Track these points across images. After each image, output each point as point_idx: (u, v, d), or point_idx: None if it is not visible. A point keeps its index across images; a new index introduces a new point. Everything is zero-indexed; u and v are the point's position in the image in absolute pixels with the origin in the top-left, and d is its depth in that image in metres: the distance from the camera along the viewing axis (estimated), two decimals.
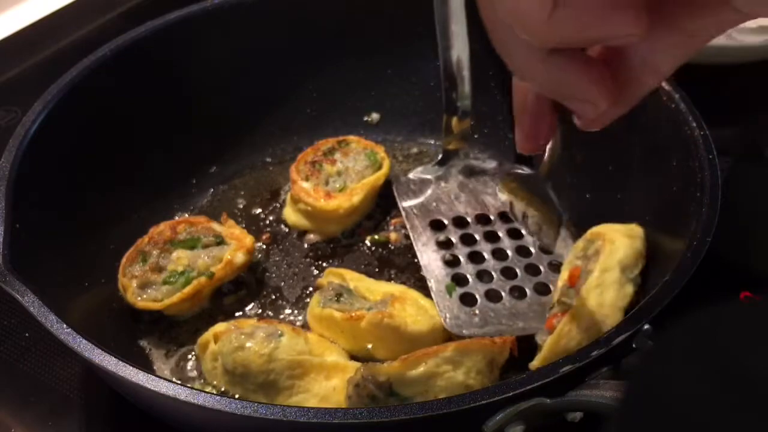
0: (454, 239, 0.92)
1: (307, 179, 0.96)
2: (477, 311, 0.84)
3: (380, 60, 1.06)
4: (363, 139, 1.02)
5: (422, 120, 1.08)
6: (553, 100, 0.56)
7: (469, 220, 0.94)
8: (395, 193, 0.97)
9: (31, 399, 0.81)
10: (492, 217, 0.94)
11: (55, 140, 0.84)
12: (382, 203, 1.00)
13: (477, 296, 0.85)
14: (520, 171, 0.70)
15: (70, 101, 0.86)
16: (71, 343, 0.64)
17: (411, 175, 0.99)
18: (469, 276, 0.88)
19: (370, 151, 0.99)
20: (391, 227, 0.98)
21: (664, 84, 0.83)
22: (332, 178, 0.97)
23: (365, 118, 1.09)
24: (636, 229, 0.82)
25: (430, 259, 0.89)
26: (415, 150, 1.08)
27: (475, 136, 1.06)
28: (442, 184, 0.98)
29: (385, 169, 0.98)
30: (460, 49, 0.90)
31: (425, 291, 0.89)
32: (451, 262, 0.89)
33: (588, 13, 0.43)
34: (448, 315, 0.83)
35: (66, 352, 0.66)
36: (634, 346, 0.62)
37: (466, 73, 0.93)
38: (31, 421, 0.80)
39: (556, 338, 0.74)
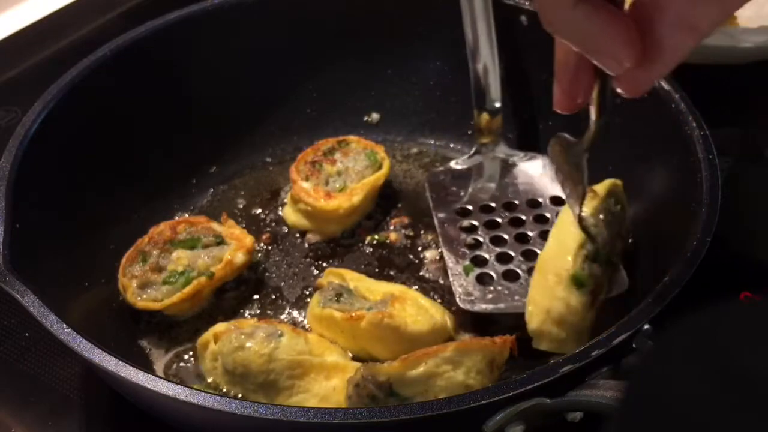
0: (477, 223, 0.92)
1: (307, 179, 0.96)
2: (491, 289, 0.84)
3: (380, 60, 1.06)
4: (363, 139, 1.02)
5: (422, 120, 1.08)
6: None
7: (494, 205, 0.94)
8: (428, 193, 0.97)
9: (31, 399, 0.81)
10: (518, 203, 0.94)
11: (55, 140, 0.84)
12: (382, 203, 1.00)
13: (494, 275, 0.86)
14: (566, 136, 0.71)
15: (70, 101, 0.86)
16: (71, 343, 0.64)
17: (443, 169, 1.00)
18: (489, 258, 0.88)
19: (370, 151, 0.99)
20: (391, 227, 0.98)
21: (664, 84, 0.84)
22: (332, 178, 0.96)
23: (365, 118, 1.09)
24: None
25: (451, 240, 0.90)
26: (415, 150, 1.08)
27: None
28: (476, 177, 0.98)
29: (385, 169, 0.98)
30: (486, 54, 0.93)
31: (425, 291, 0.89)
32: (473, 246, 0.90)
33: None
34: (461, 291, 0.83)
35: (66, 352, 0.66)
36: (634, 346, 0.62)
37: (493, 77, 0.95)
38: (31, 421, 0.80)
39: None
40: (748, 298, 0.81)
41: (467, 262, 0.87)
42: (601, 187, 0.81)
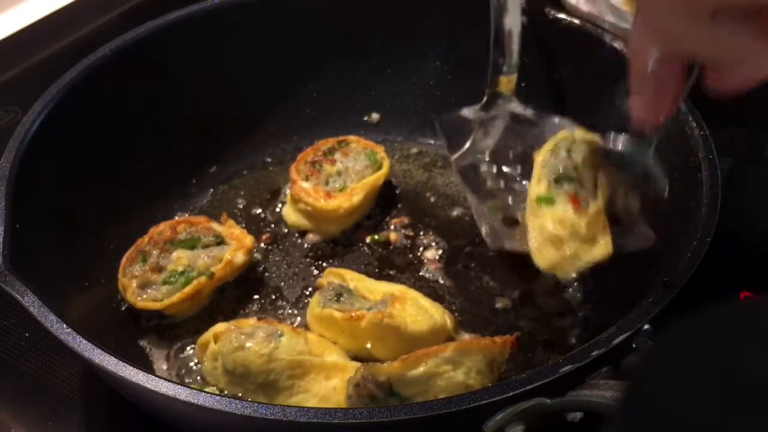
0: (495, 170, 0.93)
1: (307, 179, 0.96)
2: (517, 230, 0.85)
3: (380, 60, 1.06)
4: (363, 139, 1.02)
5: (422, 120, 1.08)
6: (683, 68, 0.54)
7: (508, 155, 0.95)
8: (439, 130, 0.96)
9: (31, 399, 0.81)
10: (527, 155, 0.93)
11: (55, 140, 0.84)
12: (382, 203, 1.00)
13: (519, 218, 0.86)
14: (614, 149, 0.74)
15: (70, 101, 0.86)
16: (71, 343, 0.64)
17: (455, 114, 0.98)
18: (510, 201, 0.89)
19: (370, 151, 0.99)
20: (391, 227, 0.98)
21: None
22: (332, 178, 0.96)
23: (365, 118, 1.09)
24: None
25: (472, 182, 0.91)
26: (415, 150, 1.08)
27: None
28: (486, 127, 0.98)
29: (384, 169, 0.98)
30: (512, 19, 0.92)
31: (425, 291, 0.89)
32: (494, 190, 0.91)
33: None
34: (487, 231, 0.85)
35: (66, 352, 0.66)
36: (634, 346, 0.62)
37: (515, 45, 0.93)
38: (31, 421, 0.80)
39: None
40: (748, 298, 0.81)
41: (491, 202, 0.87)
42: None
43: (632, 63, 0.57)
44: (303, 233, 0.97)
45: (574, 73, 0.98)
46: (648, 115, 0.59)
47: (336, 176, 0.97)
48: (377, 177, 0.97)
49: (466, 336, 0.83)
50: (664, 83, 0.56)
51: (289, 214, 0.98)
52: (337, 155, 0.99)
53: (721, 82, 0.54)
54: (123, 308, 0.86)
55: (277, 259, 0.95)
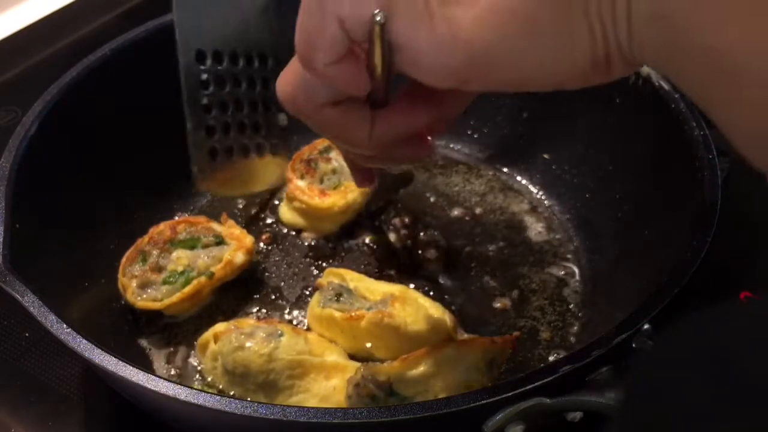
0: None
1: (302, 177, 0.96)
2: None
3: None
4: None
5: None
6: None
7: None
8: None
9: (31, 399, 0.81)
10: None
11: (55, 140, 0.84)
12: (382, 203, 1.00)
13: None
14: None
15: (70, 101, 0.86)
16: (71, 343, 0.64)
17: None
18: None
19: None
20: (391, 227, 0.98)
21: (663, 84, 0.83)
22: (327, 176, 0.97)
23: None
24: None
25: None
26: None
27: (475, 136, 1.06)
28: None
29: None
30: None
31: (425, 291, 0.89)
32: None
33: (398, 125, 0.57)
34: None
35: (66, 352, 0.66)
36: (634, 346, 0.62)
37: None
38: (31, 421, 0.80)
39: None
40: (748, 298, 0.81)
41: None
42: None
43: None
44: (299, 231, 0.97)
45: None
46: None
47: (331, 174, 0.97)
48: None
49: (466, 336, 0.83)
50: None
51: (285, 212, 0.98)
52: (333, 153, 0.99)
53: (439, 130, 0.65)
54: (123, 308, 0.86)
55: (277, 259, 0.95)
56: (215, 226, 0.90)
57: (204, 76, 0.85)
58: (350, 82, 0.53)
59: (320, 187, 0.95)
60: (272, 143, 0.91)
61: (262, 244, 0.96)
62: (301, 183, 0.95)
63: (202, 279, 0.85)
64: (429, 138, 0.64)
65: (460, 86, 0.49)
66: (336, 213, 0.94)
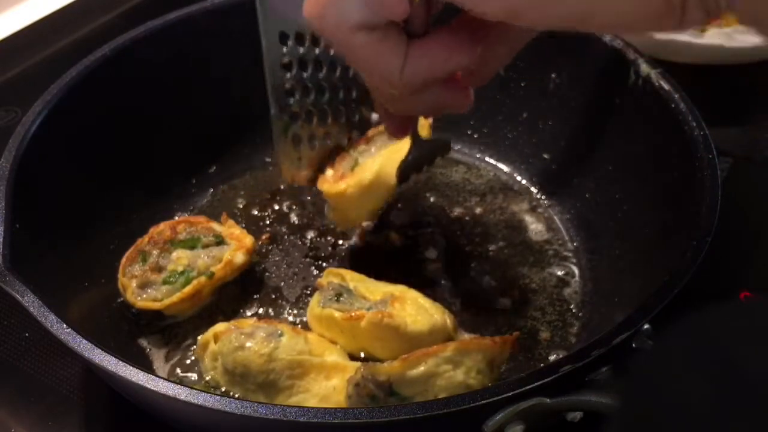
0: None
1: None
2: None
3: None
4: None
5: None
6: None
7: None
8: None
9: (31, 399, 0.81)
10: None
11: (55, 140, 0.84)
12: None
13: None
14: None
15: (70, 101, 0.86)
16: (71, 343, 0.64)
17: None
18: None
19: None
20: (391, 227, 0.98)
21: (663, 84, 0.83)
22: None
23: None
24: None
25: None
26: None
27: (475, 136, 1.06)
28: None
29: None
30: None
31: (425, 291, 0.89)
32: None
33: (434, 60, 0.53)
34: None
35: (66, 352, 0.66)
36: (634, 346, 0.62)
37: None
38: (31, 421, 0.80)
39: None
40: (748, 298, 0.81)
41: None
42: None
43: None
44: (304, 232, 0.97)
45: None
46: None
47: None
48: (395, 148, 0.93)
49: (466, 336, 0.83)
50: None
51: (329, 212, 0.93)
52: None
53: (480, 79, 0.62)
54: (123, 308, 0.86)
55: (277, 259, 0.95)
56: (215, 226, 0.90)
57: (286, 59, 0.82)
58: (389, 2, 0.48)
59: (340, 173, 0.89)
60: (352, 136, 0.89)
61: (262, 244, 0.96)
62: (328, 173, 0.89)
63: (202, 279, 0.85)
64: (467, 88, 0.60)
65: (510, 19, 0.44)
66: (353, 197, 0.88)
